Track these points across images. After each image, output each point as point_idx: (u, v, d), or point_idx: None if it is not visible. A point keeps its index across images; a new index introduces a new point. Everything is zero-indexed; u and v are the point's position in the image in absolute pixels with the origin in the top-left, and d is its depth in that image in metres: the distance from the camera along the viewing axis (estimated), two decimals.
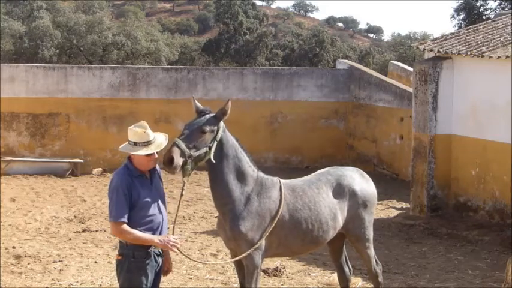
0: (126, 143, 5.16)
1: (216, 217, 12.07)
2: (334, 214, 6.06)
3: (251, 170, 5.67)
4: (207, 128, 5.35)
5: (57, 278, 8.22)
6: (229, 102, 5.46)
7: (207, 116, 5.43)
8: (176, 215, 5.62)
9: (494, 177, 11.42)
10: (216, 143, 5.41)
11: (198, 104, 5.58)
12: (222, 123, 5.48)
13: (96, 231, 10.81)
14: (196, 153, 5.30)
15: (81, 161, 16.75)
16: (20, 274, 8.32)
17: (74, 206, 12.86)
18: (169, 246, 5.06)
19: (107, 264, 8.83)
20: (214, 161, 5.40)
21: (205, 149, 5.36)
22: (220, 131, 5.44)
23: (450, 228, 11.21)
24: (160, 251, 5.22)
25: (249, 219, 5.55)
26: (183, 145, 5.23)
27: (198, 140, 5.32)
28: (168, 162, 5.18)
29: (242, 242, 5.56)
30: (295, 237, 5.86)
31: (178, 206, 5.58)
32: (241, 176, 5.58)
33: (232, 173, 5.54)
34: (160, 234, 5.16)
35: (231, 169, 5.53)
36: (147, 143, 5.05)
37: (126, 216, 4.99)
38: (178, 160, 5.18)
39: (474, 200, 11.81)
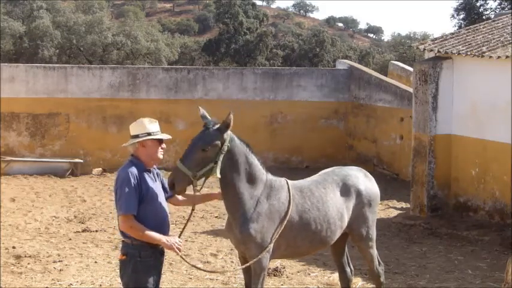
0: (130, 139, 5.18)
1: (216, 217, 12.10)
2: (341, 214, 6.07)
3: (261, 173, 5.65)
4: (208, 147, 5.31)
5: (57, 278, 8.22)
6: (232, 115, 5.38)
7: (210, 131, 5.37)
8: (186, 223, 5.63)
9: (494, 177, 11.42)
10: (222, 156, 5.37)
11: (204, 113, 5.52)
12: (229, 134, 5.42)
13: (96, 231, 10.81)
14: (201, 172, 5.30)
15: (81, 161, 16.76)
16: (20, 274, 8.32)
17: (74, 206, 12.86)
18: (175, 248, 5.08)
19: (107, 264, 8.83)
20: (219, 176, 5.37)
21: (211, 165, 5.33)
22: (226, 143, 5.39)
23: (450, 228, 11.21)
24: (162, 249, 5.24)
25: (258, 222, 5.53)
26: (184, 168, 5.23)
27: (201, 158, 5.30)
28: (171, 186, 5.25)
29: (252, 245, 5.54)
30: (304, 238, 5.85)
31: (190, 216, 5.58)
32: (252, 180, 5.57)
33: (243, 179, 5.51)
34: (165, 229, 5.19)
35: (241, 175, 5.50)
36: (159, 132, 5.17)
37: (135, 209, 4.99)
38: (180, 184, 5.22)
39: (474, 200, 11.81)
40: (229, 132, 5.43)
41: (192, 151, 5.31)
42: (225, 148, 5.38)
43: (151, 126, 5.15)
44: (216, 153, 5.34)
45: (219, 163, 5.35)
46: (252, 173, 5.56)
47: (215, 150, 5.34)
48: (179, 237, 5.33)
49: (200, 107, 5.64)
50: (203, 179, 5.35)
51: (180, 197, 5.49)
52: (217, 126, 5.40)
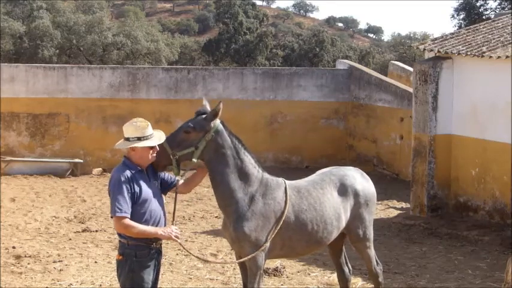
0: (122, 140, 5.20)
1: (216, 217, 12.09)
2: (338, 214, 6.06)
3: (255, 170, 5.64)
4: (190, 128, 5.40)
5: (57, 278, 8.22)
6: (221, 104, 5.45)
7: (198, 117, 5.48)
8: (174, 209, 5.60)
9: (494, 177, 11.42)
10: (204, 143, 5.42)
11: (204, 104, 5.58)
12: (216, 124, 5.47)
13: (96, 231, 10.81)
14: (181, 152, 5.38)
15: (81, 161, 16.76)
16: (20, 274, 8.32)
17: (74, 206, 12.86)
18: (173, 237, 5.10)
19: (107, 264, 8.84)
20: (195, 161, 5.44)
21: (191, 149, 5.41)
22: (212, 132, 5.43)
23: (450, 228, 11.21)
24: (160, 248, 5.24)
25: (253, 220, 5.52)
26: (165, 144, 5.32)
27: (182, 140, 5.40)
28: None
29: (245, 243, 5.53)
30: (300, 238, 5.83)
31: (175, 203, 5.57)
32: (244, 176, 5.57)
33: (233, 174, 5.52)
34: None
35: (231, 170, 5.52)
36: (150, 136, 5.16)
37: (129, 210, 5.00)
38: (159, 160, 5.29)
39: (474, 200, 11.81)
40: (217, 122, 5.48)
41: (176, 132, 5.48)
42: (209, 136, 5.43)
43: (142, 130, 5.13)
44: (199, 139, 5.41)
45: (200, 149, 5.41)
46: (244, 169, 5.57)
47: (198, 135, 5.42)
48: (172, 223, 5.36)
49: (204, 98, 5.72)
50: (176, 163, 5.37)
51: (181, 182, 5.49)
52: (205, 114, 5.47)
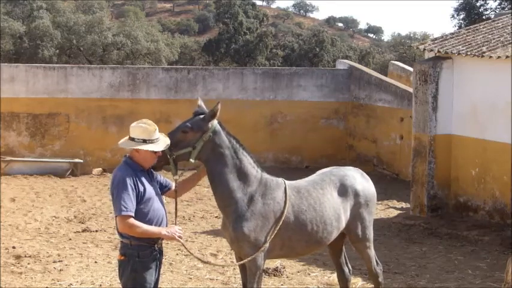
0: (127, 138, 5.18)
1: (216, 217, 12.09)
2: (338, 215, 6.05)
3: (254, 170, 5.64)
4: (188, 128, 5.40)
5: (57, 278, 8.22)
6: (219, 104, 5.45)
7: (196, 118, 5.48)
8: (176, 209, 5.61)
9: (494, 177, 11.42)
10: (202, 143, 5.42)
11: (200, 105, 5.58)
12: (214, 125, 5.46)
13: (96, 231, 10.81)
14: (178, 152, 5.37)
15: (81, 161, 16.76)
16: (20, 274, 8.32)
17: (74, 206, 12.86)
18: (176, 237, 5.11)
19: (107, 264, 8.84)
20: (193, 161, 5.43)
21: (188, 149, 5.40)
22: (209, 132, 5.43)
23: (450, 228, 11.21)
24: (161, 248, 5.25)
25: (252, 220, 5.52)
26: None
27: (180, 140, 5.39)
28: None
29: (245, 244, 5.53)
30: (300, 239, 5.83)
31: (176, 203, 5.57)
32: (243, 176, 5.57)
33: (232, 174, 5.52)
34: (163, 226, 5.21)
35: (230, 170, 5.52)
36: (156, 140, 5.14)
37: (133, 209, 4.99)
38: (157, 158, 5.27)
39: (474, 200, 11.82)
40: (215, 122, 5.48)
41: (173, 132, 5.46)
42: (207, 136, 5.43)
43: (149, 133, 5.11)
44: (196, 139, 5.41)
45: (197, 149, 5.41)
46: (243, 170, 5.56)
47: (195, 135, 5.41)
48: (174, 223, 5.36)
49: (200, 98, 5.73)
50: (173, 163, 5.37)
51: (173, 187, 5.49)
52: (203, 115, 5.47)
